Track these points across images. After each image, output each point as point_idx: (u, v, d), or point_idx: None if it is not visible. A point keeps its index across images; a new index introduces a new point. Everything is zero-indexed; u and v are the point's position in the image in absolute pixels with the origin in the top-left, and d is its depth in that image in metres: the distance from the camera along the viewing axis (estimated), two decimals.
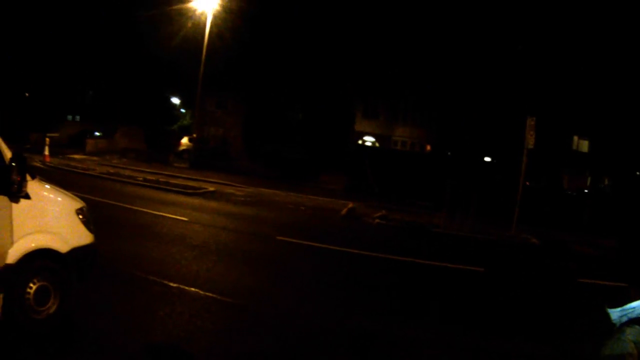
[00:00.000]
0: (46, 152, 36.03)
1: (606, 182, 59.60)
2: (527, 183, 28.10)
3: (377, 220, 23.64)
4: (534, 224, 25.65)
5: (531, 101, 42.93)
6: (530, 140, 24.07)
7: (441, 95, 54.77)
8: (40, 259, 7.49)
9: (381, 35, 55.09)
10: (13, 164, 6.82)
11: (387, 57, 56.04)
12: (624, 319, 3.03)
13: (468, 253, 19.59)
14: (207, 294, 10.26)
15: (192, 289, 10.47)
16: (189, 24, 45.94)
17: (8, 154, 6.96)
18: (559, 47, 49.88)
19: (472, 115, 52.26)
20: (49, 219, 7.74)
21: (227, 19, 46.44)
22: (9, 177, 6.84)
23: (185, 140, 51.42)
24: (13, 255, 7.07)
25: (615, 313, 3.09)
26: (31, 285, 7.40)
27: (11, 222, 7.07)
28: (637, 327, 2.94)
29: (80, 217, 8.22)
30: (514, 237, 22.98)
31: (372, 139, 62.96)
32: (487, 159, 53.77)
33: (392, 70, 56.04)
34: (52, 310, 7.66)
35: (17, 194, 6.95)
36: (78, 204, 8.34)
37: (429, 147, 61.85)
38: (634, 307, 3.03)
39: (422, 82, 55.08)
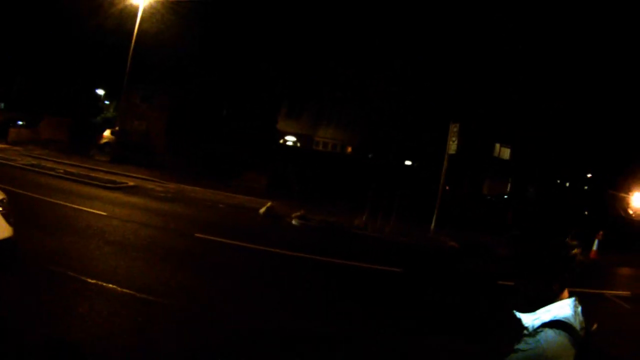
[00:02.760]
0: None
1: (530, 189, 60.84)
2: (447, 188, 28.54)
3: (295, 220, 23.83)
4: (455, 227, 26.20)
5: (455, 108, 43.49)
6: (452, 146, 24.49)
7: (364, 98, 54.99)
8: None
9: (308, 37, 55.30)
10: None
11: (313, 58, 56.23)
12: (537, 322, 3.32)
13: (387, 254, 19.90)
14: (126, 290, 10.27)
15: (111, 285, 10.45)
16: (119, 13, 45.62)
17: None
18: (484, 55, 50.57)
19: (395, 119, 52.60)
20: None
21: (158, 12, 46.13)
22: None
23: (107, 133, 50.82)
24: None
25: (527, 317, 3.38)
26: None
27: None
28: (547, 330, 3.23)
29: (0, 209, 8.19)
30: (433, 239, 23.40)
31: (294, 139, 63.22)
32: (408, 162, 54.36)
33: (317, 72, 56.25)
34: None
35: None
36: None
37: (349, 149, 62.25)
38: (547, 311, 3.32)
39: (346, 85, 55.32)
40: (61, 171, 29.29)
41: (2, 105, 73.44)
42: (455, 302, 13.59)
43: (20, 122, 55.51)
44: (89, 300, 9.55)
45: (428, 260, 20.59)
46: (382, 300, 13.08)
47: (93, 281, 10.57)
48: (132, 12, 43.64)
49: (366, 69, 53.31)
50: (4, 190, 8.94)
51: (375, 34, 52.78)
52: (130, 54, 43.53)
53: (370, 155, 54.19)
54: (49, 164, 32.53)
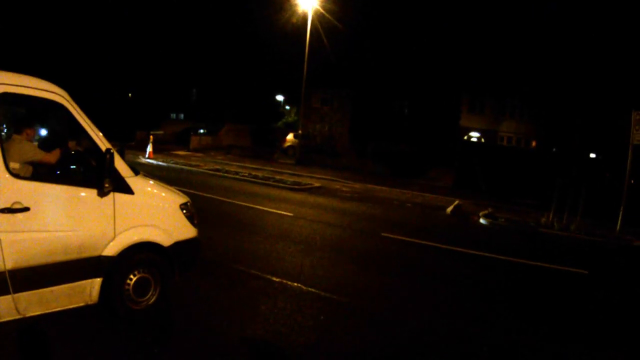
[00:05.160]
0: (150, 149, 36.72)
1: None
2: (632, 182, 26.91)
3: (483, 219, 23.27)
4: None
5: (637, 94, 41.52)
6: (637, 136, 23.18)
7: (548, 90, 53.44)
8: (142, 251, 7.79)
9: (488, 33, 54.36)
10: (107, 157, 6.91)
11: (494, 53, 55.15)
12: None
13: (573, 254, 18.86)
14: (310, 289, 10.32)
15: (295, 284, 10.55)
16: (292, 22, 46.36)
17: (103, 148, 7.07)
18: None
19: (579, 111, 50.84)
20: (152, 213, 7.96)
21: (330, 16, 46.42)
22: (102, 171, 7.08)
23: (290, 137, 51.93)
24: (114, 247, 7.35)
25: None
26: (131, 276, 7.75)
27: (113, 216, 7.33)
28: None
29: (184, 211, 8.48)
30: (619, 238, 22.10)
31: (478, 134, 62.20)
32: (593, 155, 52.28)
33: (498, 67, 55.09)
34: (151, 301, 8.00)
35: (102, 189, 7.12)
36: (182, 199, 8.58)
37: (534, 143, 60.66)
38: None
39: (529, 78, 53.94)
40: (245, 174, 29.97)
41: (182, 115, 75.94)
42: None
43: (201, 130, 57.29)
44: (272, 298, 9.68)
45: (616, 261, 19.32)
46: (562, 305, 12.15)
47: (278, 280, 10.75)
48: (305, 17, 44.25)
49: (547, 61, 51.93)
50: (189, 194, 9.04)
51: (551, 29, 51.39)
52: (306, 58, 44.12)
53: (554, 149, 52.39)
54: (233, 168, 33.48)
